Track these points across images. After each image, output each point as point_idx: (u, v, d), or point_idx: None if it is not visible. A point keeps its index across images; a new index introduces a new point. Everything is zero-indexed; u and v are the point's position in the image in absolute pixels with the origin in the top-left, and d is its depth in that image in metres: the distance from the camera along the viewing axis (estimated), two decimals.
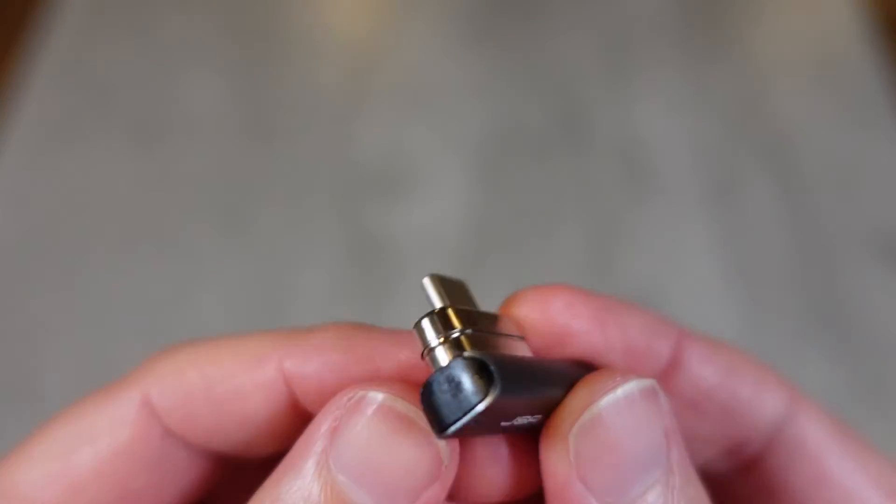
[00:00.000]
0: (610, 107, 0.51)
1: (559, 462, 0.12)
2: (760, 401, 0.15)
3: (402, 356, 0.14)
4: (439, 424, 0.11)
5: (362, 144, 0.49)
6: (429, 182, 0.48)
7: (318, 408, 0.14)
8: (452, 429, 0.11)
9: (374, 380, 0.13)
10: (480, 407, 0.10)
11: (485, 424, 0.11)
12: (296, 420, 0.15)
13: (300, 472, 0.12)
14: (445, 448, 0.12)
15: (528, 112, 0.51)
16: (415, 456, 0.11)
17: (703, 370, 0.15)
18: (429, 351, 0.11)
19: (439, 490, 0.12)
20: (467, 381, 0.10)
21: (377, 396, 0.12)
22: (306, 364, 0.14)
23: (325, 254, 0.45)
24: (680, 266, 0.44)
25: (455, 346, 0.11)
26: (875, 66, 0.52)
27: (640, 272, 0.44)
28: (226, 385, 0.14)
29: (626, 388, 0.12)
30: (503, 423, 0.12)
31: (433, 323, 0.11)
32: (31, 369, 0.41)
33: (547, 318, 0.14)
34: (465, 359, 0.11)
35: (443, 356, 0.11)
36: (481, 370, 0.10)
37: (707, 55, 0.53)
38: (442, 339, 0.11)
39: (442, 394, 0.11)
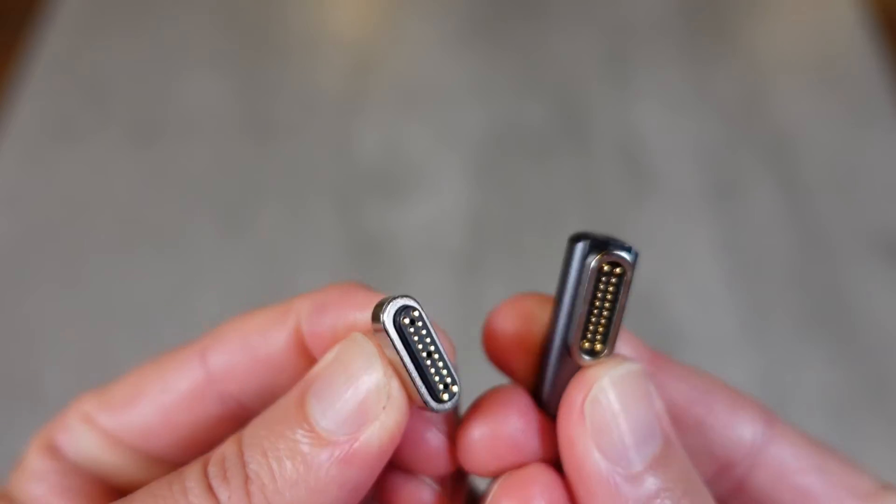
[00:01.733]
0: (610, 106, 0.51)
1: (576, 430, 0.15)
2: (736, 421, 0.17)
3: None
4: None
5: (362, 144, 0.49)
6: (429, 182, 0.47)
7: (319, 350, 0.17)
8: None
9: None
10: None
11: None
12: (299, 360, 0.18)
13: (289, 399, 0.15)
14: (391, 388, 0.15)
15: (528, 112, 0.51)
16: (365, 387, 0.15)
17: (678, 386, 0.17)
18: None
19: (386, 431, 0.15)
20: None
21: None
22: (322, 319, 0.17)
23: (326, 253, 0.45)
24: (680, 266, 0.44)
25: None
26: (875, 65, 0.52)
27: (641, 272, 0.44)
28: (261, 340, 0.17)
29: (623, 369, 0.15)
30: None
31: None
32: (31, 368, 0.41)
33: None
34: None
35: None
36: None
37: (708, 55, 0.53)
38: None
39: None
